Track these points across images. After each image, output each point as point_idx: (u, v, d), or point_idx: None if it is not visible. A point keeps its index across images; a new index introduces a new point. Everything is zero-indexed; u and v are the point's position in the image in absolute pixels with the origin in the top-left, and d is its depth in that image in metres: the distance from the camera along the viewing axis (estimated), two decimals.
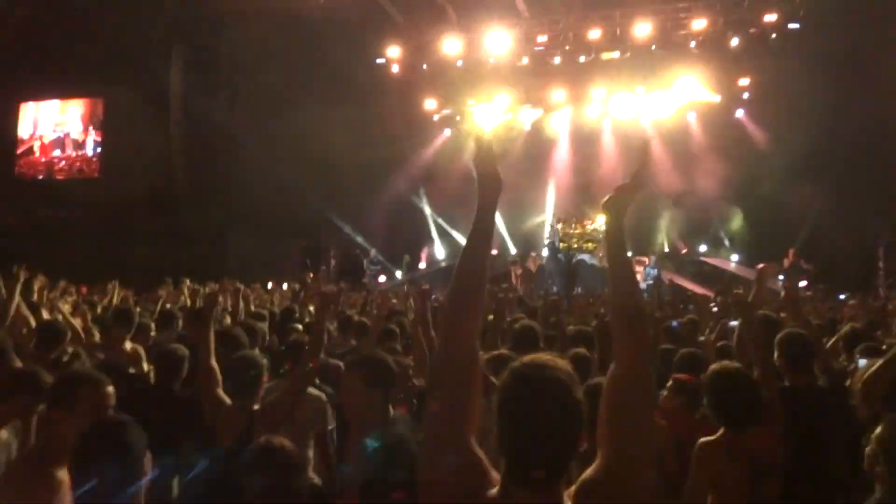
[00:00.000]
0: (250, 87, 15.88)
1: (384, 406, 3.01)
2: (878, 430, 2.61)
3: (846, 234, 15.10)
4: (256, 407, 3.59)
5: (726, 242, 18.87)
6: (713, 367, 3.42)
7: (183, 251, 13.80)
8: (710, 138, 18.95)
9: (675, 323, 5.83)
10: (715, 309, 9.77)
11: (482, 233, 1.84)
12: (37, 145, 20.99)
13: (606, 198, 1.86)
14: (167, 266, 11.48)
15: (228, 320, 6.63)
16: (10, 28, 16.35)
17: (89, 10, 15.98)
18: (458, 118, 20.40)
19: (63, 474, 2.48)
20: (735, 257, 18.52)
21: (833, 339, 5.74)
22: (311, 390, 4.21)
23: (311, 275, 14.01)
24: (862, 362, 4.63)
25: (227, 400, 3.61)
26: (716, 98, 18.58)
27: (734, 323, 4.76)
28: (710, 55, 17.78)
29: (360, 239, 18.72)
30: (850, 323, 5.97)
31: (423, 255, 20.20)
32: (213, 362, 3.71)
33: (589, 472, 1.67)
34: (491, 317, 4.96)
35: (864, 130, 14.48)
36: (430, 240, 20.35)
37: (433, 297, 6.17)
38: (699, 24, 17.37)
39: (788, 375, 3.89)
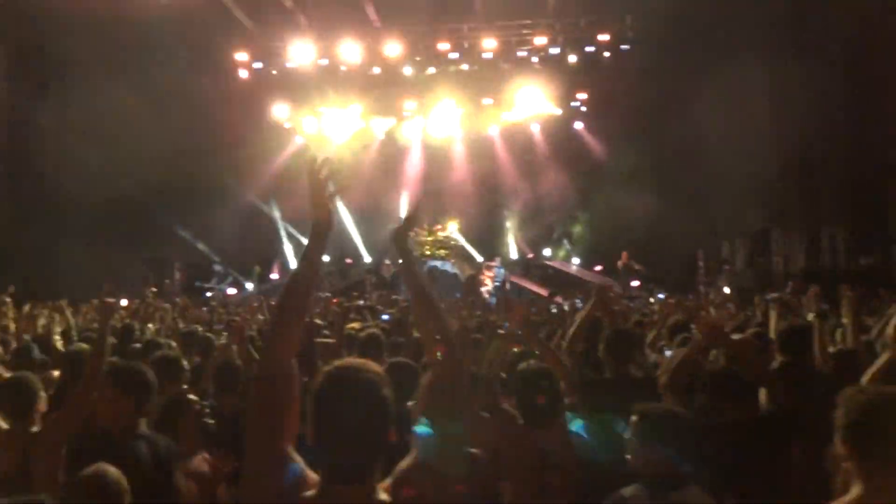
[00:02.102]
0: (83, 93, 14.81)
1: (136, 415, 3.15)
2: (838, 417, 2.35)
3: (672, 238, 16.50)
4: (35, 429, 3.50)
5: (568, 247, 20.02)
6: (520, 366, 3.71)
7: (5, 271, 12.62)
8: (552, 149, 20.04)
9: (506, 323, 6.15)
10: (554, 310, 10.41)
11: (310, 262, 1.98)
12: None
13: (393, 230, 2.03)
14: None
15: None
16: None
17: None
18: (309, 126, 20.20)
19: None
20: (576, 261, 19.71)
21: (653, 333, 6.36)
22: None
23: (154, 288, 13.34)
24: (668, 354, 5.17)
25: (4, 424, 3.51)
26: (557, 111, 19.70)
27: None
28: (550, 70, 18.84)
29: (207, 250, 18.00)
30: (675, 317, 6.57)
31: (276, 266, 19.79)
32: None
33: (403, 463, 1.81)
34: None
35: (686, 143, 15.86)
36: (283, 250, 19.96)
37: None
38: (540, 40, 18.38)
39: (611, 368, 4.28)
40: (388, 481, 1.79)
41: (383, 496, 1.76)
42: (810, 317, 6.11)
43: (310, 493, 1.74)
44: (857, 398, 2.30)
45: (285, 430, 1.82)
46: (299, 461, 1.81)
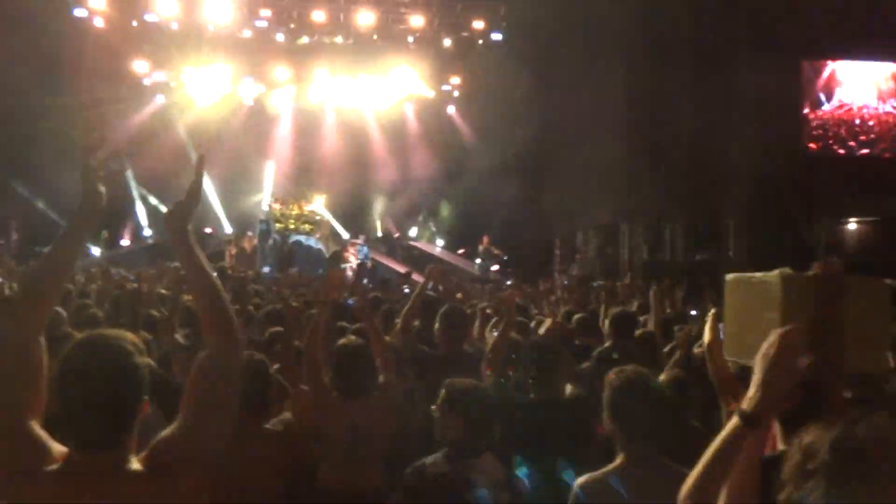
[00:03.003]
0: None
1: None
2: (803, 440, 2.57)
3: (532, 225, 17.15)
4: None
5: (433, 229, 20.31)
6: (339, 342, 3.82)
7: None
8: (424, 130, 20.18)
9: (349, 301, 6.20)
10: (407, 290, 10.57)
11: (70, 243, 1.95)
12: None
13: (167, 212, 1.96)
14: None
15: None
16: None
17: None
18: (172, 84, 19.16)
19: None
20: (440, 242, 20.03)
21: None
22: None
23: None
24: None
25: None
26: (430, 93, 19.83)
27: None
28: (425, 52, 18.92)
29: (47, 210, 16.66)
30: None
31: (126, 231, 18.71)
32: None
33: (165, 431, 1.78)
34: None
35: (550, 134, 16.47)
36: (134, 213, 18.86)
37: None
38: (417, 21, 18.36)
39: (443, 345, 4.48)
40: (145, 451, 1.75)
41: (136, 465, 1.73)
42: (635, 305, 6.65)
43: (54, 466, 1.69)
44: (615, 379, 2.57)
45: (25, 401, 1.75)
46: (44, 436, 1.74)
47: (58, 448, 1.73)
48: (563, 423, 3.52)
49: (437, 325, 4.56)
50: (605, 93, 15.01)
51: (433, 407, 3.02)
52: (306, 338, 3.75)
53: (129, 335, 1.82)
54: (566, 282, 11.95)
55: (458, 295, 6.52)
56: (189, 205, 1.93)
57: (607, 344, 4.79)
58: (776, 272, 2.32)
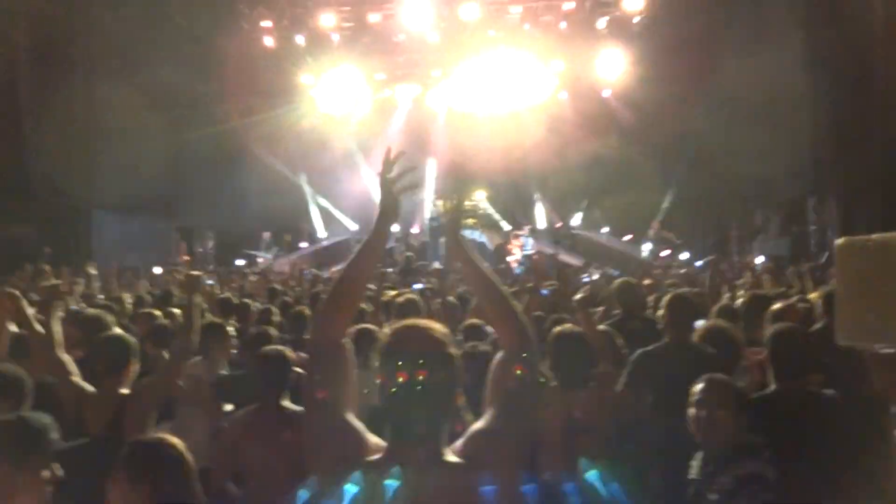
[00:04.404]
0: (111, 58, 14.85)
1: None
2: None
3: (702, 206, 16.28)
4: (125, 391, 3.46)
5: (597, 214, 19.81)
6: (555, 329, 3.72)
7: (42, 234, 12.81)
8: (580, 117, 19.71)
9: (543, 291, 6.13)
10: (586, 278, 10.36)
11: (372, 250, 2.09)
12: None
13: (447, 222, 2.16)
14: (23, 251, 10.65)
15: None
16: None
17: None
18: (332, 92, 20.09)
19: None
20: (605, 229, 19.52)
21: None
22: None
23: (187, 257, 13.50)
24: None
25: (89, 387, 3.48)
26: (584, 78, 19.35)
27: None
28: (578, 37, 18.43)
29: (237, 219, 18.05)
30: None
31: (305, 235, 19.91)
32: (61, 353, 3.58)
33: (478, 423, 1.85)
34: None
35: (717, 108, 15.50)
36: (310, 219, 20.05)
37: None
38: (568, 5, 17.95)
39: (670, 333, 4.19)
40: (459, 442, 1.80)
41: (452, 457, 1.77)
42: None
43: (374, 456, 1.77)
44: None
45: (345, 398, 1.87)
46: (361, 428, 1.84)
47: (374, 439, 1.81)
48: None
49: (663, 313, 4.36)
50: (777, 62, 13.92)
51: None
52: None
53: (437, 325, 1.88)
54: (759, 262, 11.18)
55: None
56: (387, 222, 2.04)
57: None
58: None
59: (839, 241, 2.04)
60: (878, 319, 1.64)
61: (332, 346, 1.90)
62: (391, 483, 1.66)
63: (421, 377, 1.72)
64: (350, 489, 1.66)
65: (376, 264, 2.16)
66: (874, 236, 1.91)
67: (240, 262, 16.94)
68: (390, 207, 2.04)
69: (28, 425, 2.30)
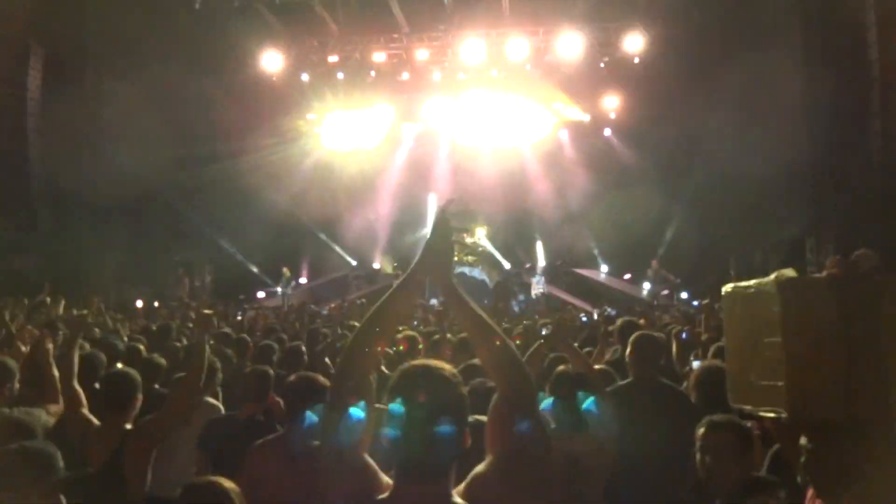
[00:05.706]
0: (114, 93, 15.04)
1: None
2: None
3: (701, 245, 16.31)
4: (129, 426, 3.48)
5: (596, 253, 19.85)
6: (558, 369, 3.75)
7: (43, 267, 12.81)
8: (580, 155, 19.92)
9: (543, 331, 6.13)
10: (584, 319, 10.37)
11: (406, 291, 2.01)
12: None
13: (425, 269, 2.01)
14: (26, 284, 10.65)
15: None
16: None
17: None
18: (336, 131, 20.32)
19: None
20: (605, 268, 19.54)
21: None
22: (210, 399, 4.28)
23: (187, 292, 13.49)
24: (696, 364, 5.08)
25: (95, 420, 3.49)
26: (585, 117, 19.60)
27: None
28: (579, 77, 18.70)
29: (237, 253, 18.10)
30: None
31: (304, 269, 19.92)
32: (76, 384, 3.65)
33: (479, 468, 1.82)
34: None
35: (715, 145, 15.64)
36: (310, 253, 20.06)
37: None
38: (570, 45, 18.20)
39: (634, 371, 4.22)
40: (462, 486, 1.79)
41: (458, 499, 1.75)
42: None
43: (384, 495, 1.75)
44: None
45: (364, 440, 1.87)
46: (374, 466, 1.85)
47: (384, 478, 1.81)
48: None
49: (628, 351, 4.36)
50: (777, 101, 14.13)
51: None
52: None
53: (446, 365, 1.84)
54: None
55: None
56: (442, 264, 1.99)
57: None
58: (772, 276, 1.71)
59: (726, 288, 1.89)
60: (760, 379, 1.56)
61: (358, 382, 1.87)
62: None
63: (429, 417, 1.70)
64: None
65: (414, 301, 2.08)
66: (753, 282, 1.78)
67: (261, 295, 17.12)
68: (440, 242, 1.99)
69: (34, 454, 2.31)
